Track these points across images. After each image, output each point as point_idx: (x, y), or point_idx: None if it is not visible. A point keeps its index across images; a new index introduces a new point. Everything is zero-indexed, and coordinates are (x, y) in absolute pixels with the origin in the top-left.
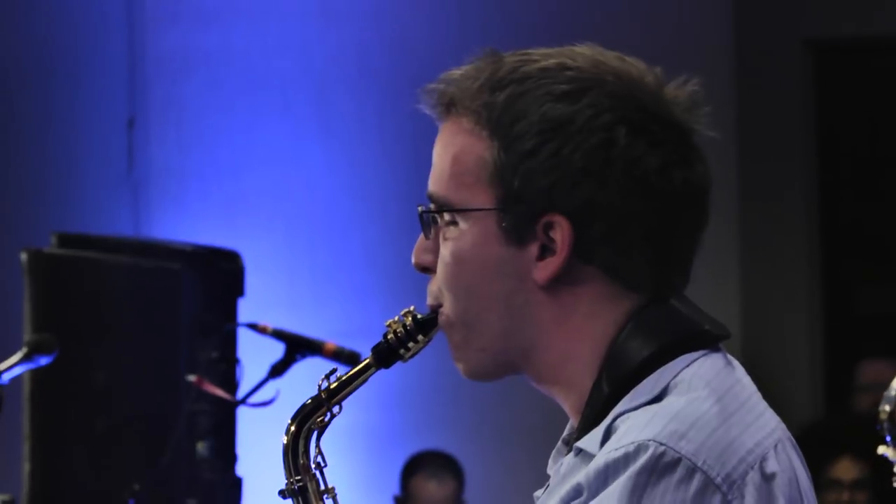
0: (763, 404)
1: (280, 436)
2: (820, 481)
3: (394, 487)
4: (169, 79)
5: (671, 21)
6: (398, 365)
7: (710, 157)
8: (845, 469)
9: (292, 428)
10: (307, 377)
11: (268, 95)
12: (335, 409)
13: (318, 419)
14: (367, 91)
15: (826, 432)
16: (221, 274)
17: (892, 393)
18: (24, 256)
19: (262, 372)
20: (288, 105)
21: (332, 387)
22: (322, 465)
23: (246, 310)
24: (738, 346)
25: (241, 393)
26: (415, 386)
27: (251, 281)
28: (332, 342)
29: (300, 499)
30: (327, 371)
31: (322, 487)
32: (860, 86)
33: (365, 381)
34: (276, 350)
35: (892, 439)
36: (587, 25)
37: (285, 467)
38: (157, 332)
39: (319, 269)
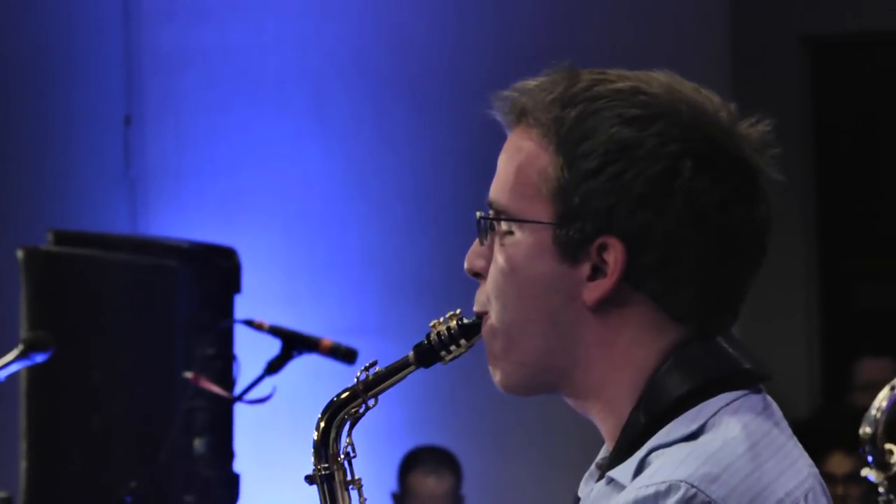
0: (798, 450)
1: (276, 431)
2: None
3: (391, 484)
4: (166, 76)
5: (668, 17)
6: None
7: None
8: (838, 463)
9: (325, 415)
10: (303, 374)
11: (265, 93)
12: (370, 402)
13: (353, 410)
14: (364, 88)
15: (818, 426)
16: (218, 271)
17: (873, 413)
18: (20, 254)
19: (259, 368)
20: (285, 102)
21: (369, 379)
22: (351, 455)
23: (242, 306)
24: None
25: (237, 389)
26: (413, 382)
27: (248, 278)
28: (328, 339)
29: (325, 486)
30: (323, 367)
31: (349, 478)
32: (857, 82)
33: (403, 378)
34: (273, 347)
35: (873, 461)
36: (585, 24)
37: (315, 454)
38: (153, 328)
39: (316, 265)
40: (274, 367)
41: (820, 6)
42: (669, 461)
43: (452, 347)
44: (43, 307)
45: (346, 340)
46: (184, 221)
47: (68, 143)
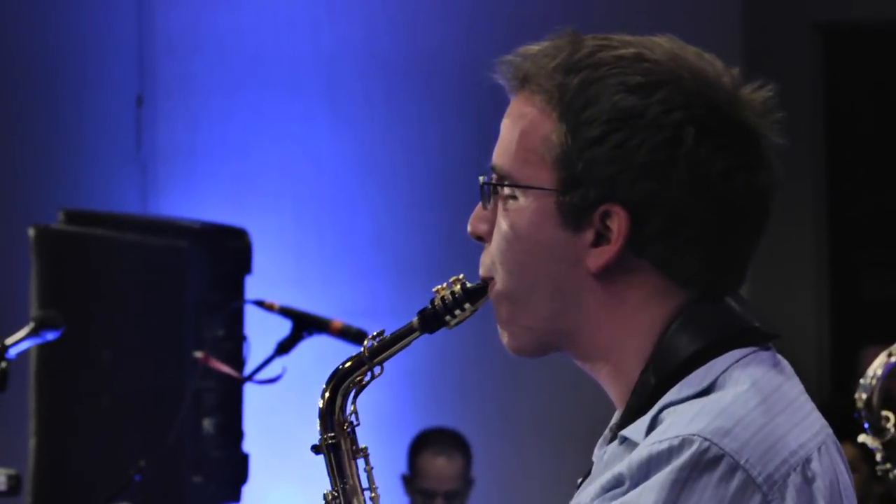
0: (810, 405)
1: (286, 412)
2: None
3: (401, 467)
4: (178, 57)
5: (680, 4)
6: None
7: None
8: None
9: (331, 384)
10: (313, 355)
11: (276, 75)
12: (376, 370)
13: (358, 378)
14: (376, 71)
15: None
16: (229, 251)
17: (868, 381)
18: (31, 232)
19: (269, 349)
20: (296, 84)
21: (374, 346)
22: (355, 423)
23: (253, 287)
24: None
25: (247, 370)
26: (423, 367)
27: (258, 259)
28: (339, 320)
29: (332, 455)
30: (333, 348)
31: (354, 447)
32: (869, 70)
33: (408, 344)
34: (283, 327)
35: (869, 426)
36: (598, 7)
37: (321, 423)
38: (163, 308)
39: (326, 247)
40: (284, 347)
41: None
42: (682, 417)
43: (457, 312)
44: (53, 286)
45: (356, 322)
46: (194, 202)
47: (80, 123)
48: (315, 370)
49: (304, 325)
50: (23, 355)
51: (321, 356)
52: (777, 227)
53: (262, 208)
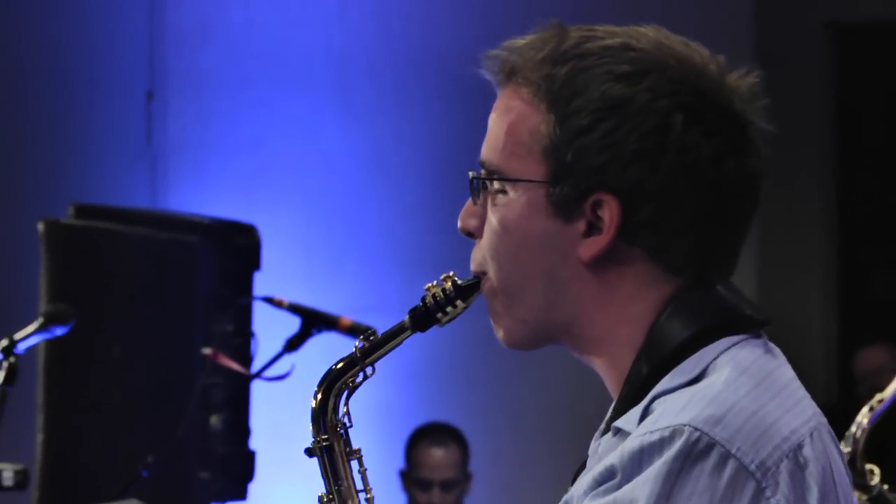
0: (802, 391)
1: (293, 409)
2: None
3: (402, 464)
4: (189, 51)
5: (692, 3)
6: (413, 342)
7: None
8: None
9: (323, 385)
10: (322, 352)
11: (287, 70)
12: (368, 371)
13: (350, 379)
14: (386, 67)
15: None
16: (238, 247)
17: (853, 431)
18: (41, 226)
19: (278, 346)
20: (307, 80)
21: (366, 346)
22: (347, 425)
23: (262, 284)
24: None
25: (255, 367)
26: (429, 364)
27: (267, 255)
28: (347, 317)
29: (326, 458)
30: (342, 346)
31: (348, 449)
32: (881, 69)
33: (399, 343)
34: (292, 324)
35: (853, 482)
36: (609, 6)
37: (313, 425)
38: (172, 304)
39: (335, 243)
40: (293, 344)
41: None
42: (672, 406)
43: (448, 309)
44: (63, 280)
45: (366, 318)
46: (204, 197)
47: (90, 118)
48: (323, 368)
49: (312, 322)
50: (31, 350)
51: (330, 353)
52: (786, 225)
53: (271, 204)
